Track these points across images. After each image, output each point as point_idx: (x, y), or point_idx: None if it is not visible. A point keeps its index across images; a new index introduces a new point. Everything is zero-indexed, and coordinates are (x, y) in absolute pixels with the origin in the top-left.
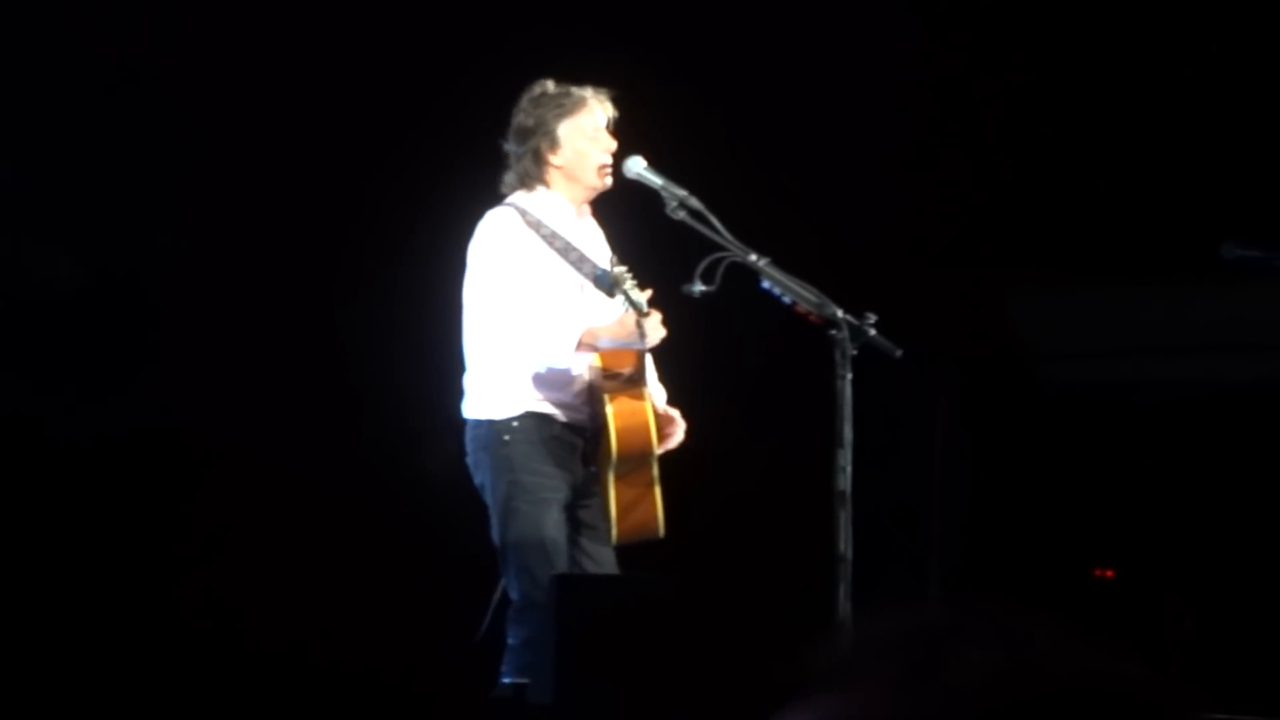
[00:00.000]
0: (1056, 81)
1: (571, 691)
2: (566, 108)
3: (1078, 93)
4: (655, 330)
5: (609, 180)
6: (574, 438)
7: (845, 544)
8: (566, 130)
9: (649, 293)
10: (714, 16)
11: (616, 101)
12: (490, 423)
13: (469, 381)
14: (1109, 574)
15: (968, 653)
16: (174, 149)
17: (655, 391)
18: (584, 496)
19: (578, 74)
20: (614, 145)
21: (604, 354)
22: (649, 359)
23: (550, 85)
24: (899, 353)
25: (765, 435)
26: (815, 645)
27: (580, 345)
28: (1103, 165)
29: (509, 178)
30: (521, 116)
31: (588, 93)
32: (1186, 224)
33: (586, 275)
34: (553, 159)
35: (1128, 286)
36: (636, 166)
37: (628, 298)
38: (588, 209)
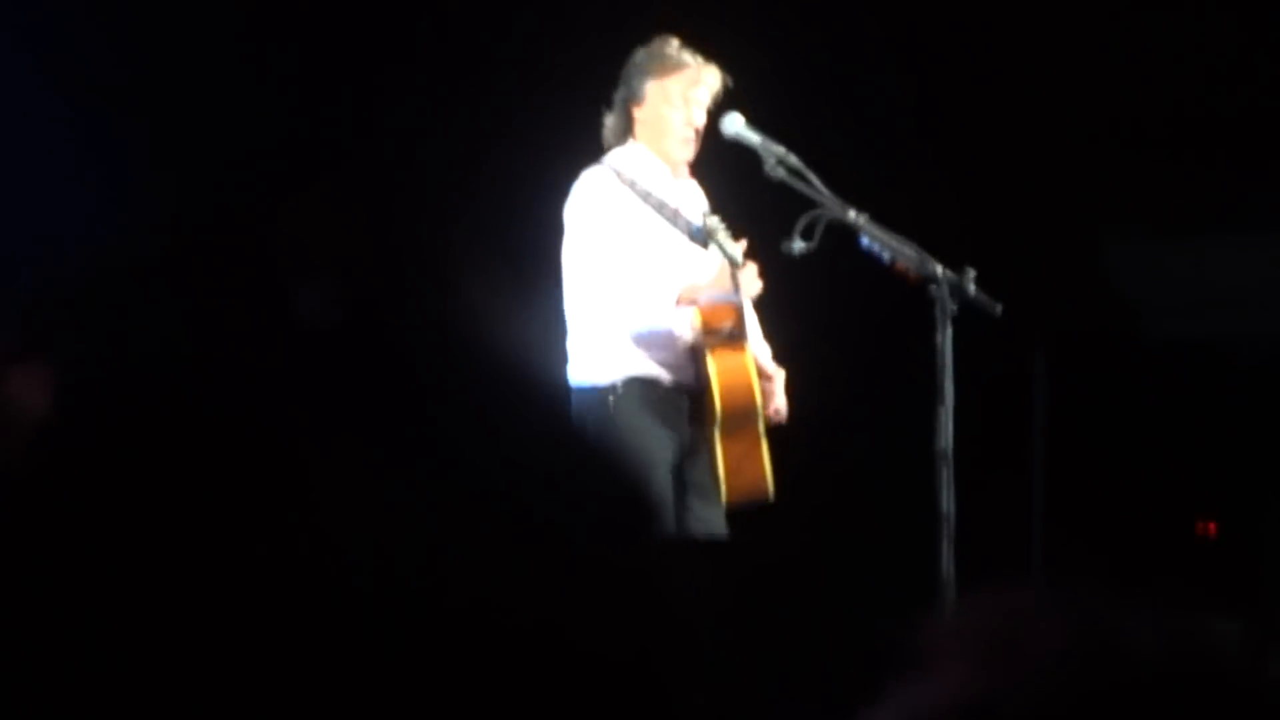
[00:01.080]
0: (1157, 30)
1: None
2: (660, 68)
3: (1176, 42)
4: (751, 281)
5: (688, 153)
6: (680, 399)
7: (948, 502)
8: (653, 91)
9: (744, 243)
10: None
11: (722, 75)
12: (595, 388)
13: (572, 346)
14: (1211, 529)
15: (1047, 633)
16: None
17: (759, 349)
18: (692, 456)
19: (679, 27)
20: (701, 119)
21: (704, 310)
22: (752, 317)
23: (664, 44)
24: (999, 309)
25: (866, 394)
26: (897, 630)
27: (680, 302)
28: (1210, 112)
29: (609, 121)
30: (627, 66)
31: (688, 59)
32: None
33: (682, 230)
34: (637, 114)
35: (1228, 237)
36: (734, 126)
37: (722, 249)
38: (685, 169)
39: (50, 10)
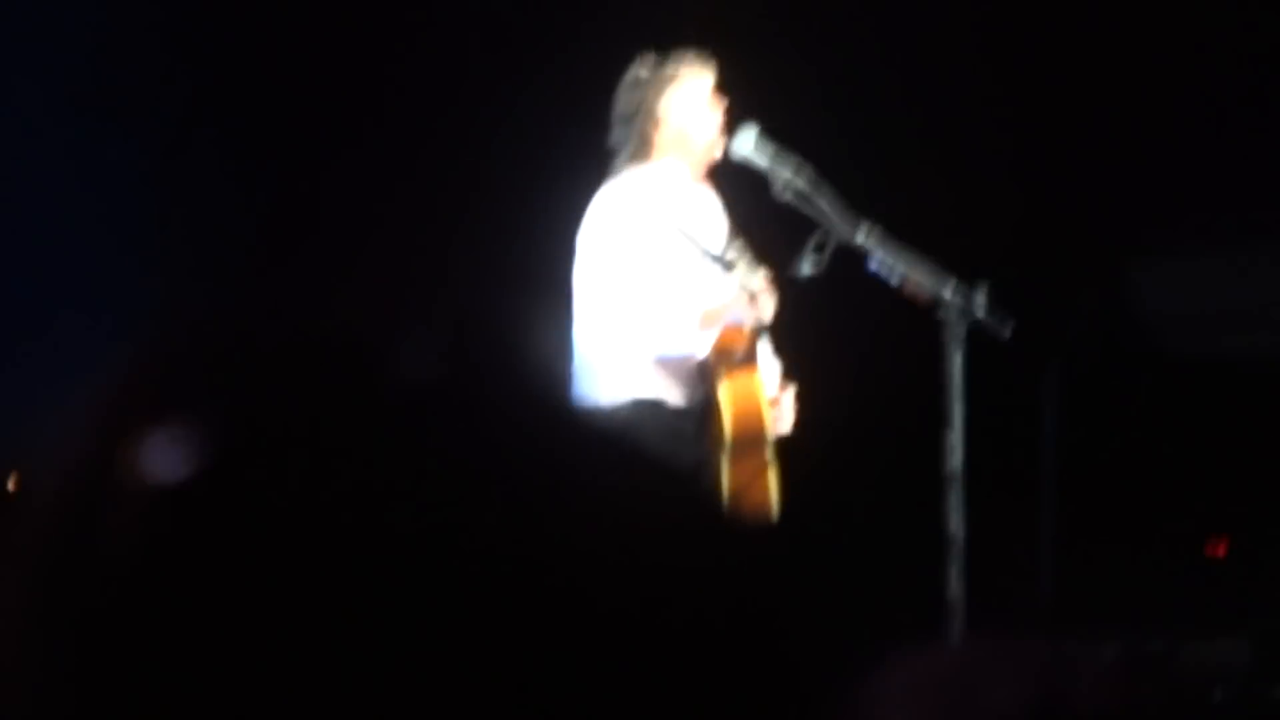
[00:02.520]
0: (1170, 45)
1: None
2: (663, 83)
3: (1188, 59)
4: (768, 308)
5: (720, 149)
6: (684, 421)
7: (957, 524)
8: (667, 106)
9: (763, 271)
10: None
11: (719, 63)
12: (600, 409)
13: (577, 367)
14: (1220, 550)
15: (1000, 692)
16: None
17: (770, 370)
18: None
19: (681, 40)
20: (720, 108)
21: (719, 333)
22: (764, 340)
23: (643, 67)
24: (1008, 333)
25: (876, 415)
26: (851, 684)
27: (694, 321)
28: (1220, 124)
29: (620, 145)
30: (620, 104)
31: (683, 62)
32: None
33: (702, 254)
34: (658, 137)
35: (1239, 255)
36: (743, 148)
37: (740, 277)
38: (705, 179)
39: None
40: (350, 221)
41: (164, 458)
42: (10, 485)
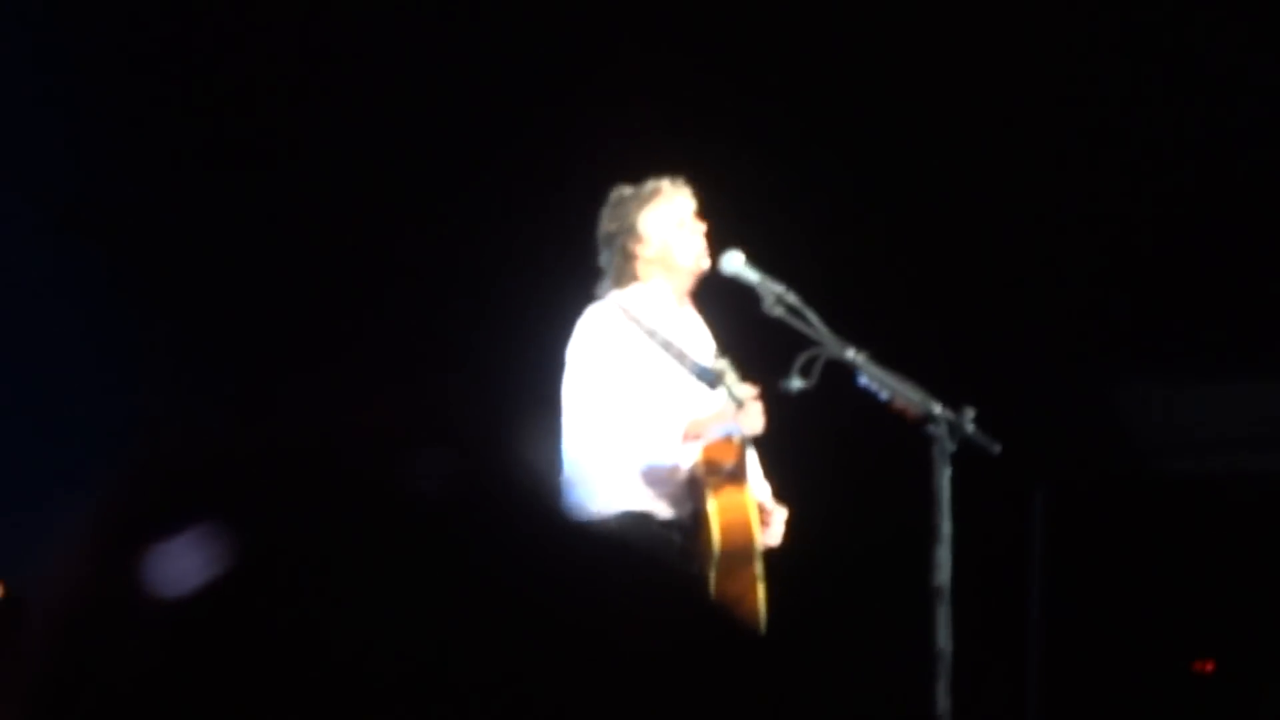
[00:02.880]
0: (1160, 169)
1: None
2: (644, 200)
3: (1181, 181)
4: (756, 420)
5: (706, 263)
6: (672, 534)
7: (945, 639)
8: (648, 221)
9: (751, 388)
10: (807, 98)
11: (698, 185)
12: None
13: (566, 480)
14: (1209, 667)
15: None
16: None
17: (759, 486)
18: None
19: (667, 165)
20: (702, 228)
21: (706, 447)
22: (752, 454)
23: (625, 187)
24: (997, 449)
25: (864, 530)
26: None
27: (684, 438)
28: (1210, 254)
29: (604, 285)
30: (604, 224)
31: (664, 182)
32: None
33: (689, 370)
34: (642, 252)
35: (1226, 379)
36: (733, 264)
37: (729, 392)
38: (688, 300)
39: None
40: (335, 335)
41: (165, 570)
42: None
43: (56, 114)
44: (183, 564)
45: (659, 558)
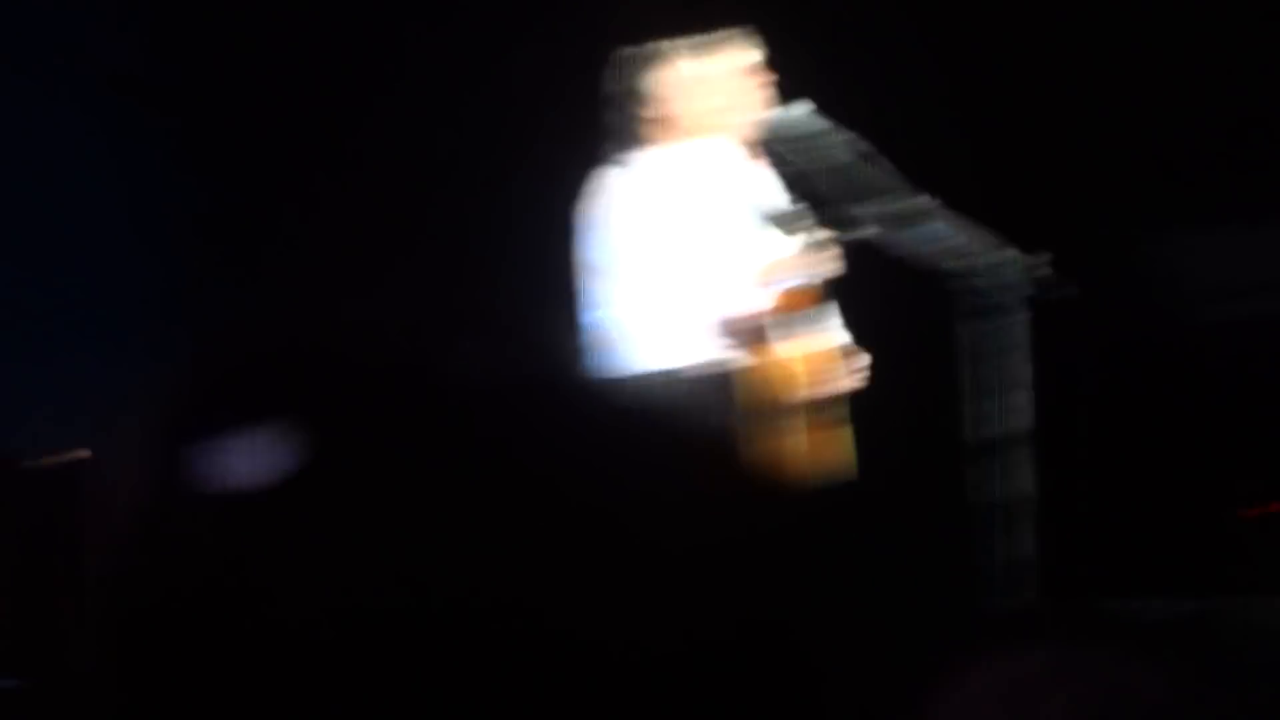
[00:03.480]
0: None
1: None
2: (650, 63)
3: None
4: (828, 261)
5: (729, 126)
6: (726, 385)
7: (997, 488)
8: (654, 86)
9: (829, 231)
10: None
11: (763, 38)
12: (667, 372)
13: (599, 341)
14: (1274, 507)
15: (1066, 698)
16: None
17: (825, 331)
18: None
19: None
20: (764, 80)
21: (782, 293)
22: (828, 301)
23: (668, 42)
24: (1074, 291)
25: (912, 386)
26: (920, 689)
27: (748, 284)
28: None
29: (621, 130)
30: (643, 80)
31: (677, 44)
32: None
33: (762, 218)
34: (648, 115)
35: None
36: (799, 113)
37: (801, 235)
38: (758, 151)
39: None
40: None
41: (230, 463)
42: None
43: None
44: (247, 460)
45: (699, 413)
